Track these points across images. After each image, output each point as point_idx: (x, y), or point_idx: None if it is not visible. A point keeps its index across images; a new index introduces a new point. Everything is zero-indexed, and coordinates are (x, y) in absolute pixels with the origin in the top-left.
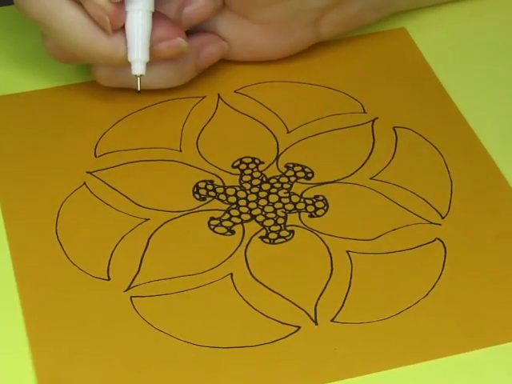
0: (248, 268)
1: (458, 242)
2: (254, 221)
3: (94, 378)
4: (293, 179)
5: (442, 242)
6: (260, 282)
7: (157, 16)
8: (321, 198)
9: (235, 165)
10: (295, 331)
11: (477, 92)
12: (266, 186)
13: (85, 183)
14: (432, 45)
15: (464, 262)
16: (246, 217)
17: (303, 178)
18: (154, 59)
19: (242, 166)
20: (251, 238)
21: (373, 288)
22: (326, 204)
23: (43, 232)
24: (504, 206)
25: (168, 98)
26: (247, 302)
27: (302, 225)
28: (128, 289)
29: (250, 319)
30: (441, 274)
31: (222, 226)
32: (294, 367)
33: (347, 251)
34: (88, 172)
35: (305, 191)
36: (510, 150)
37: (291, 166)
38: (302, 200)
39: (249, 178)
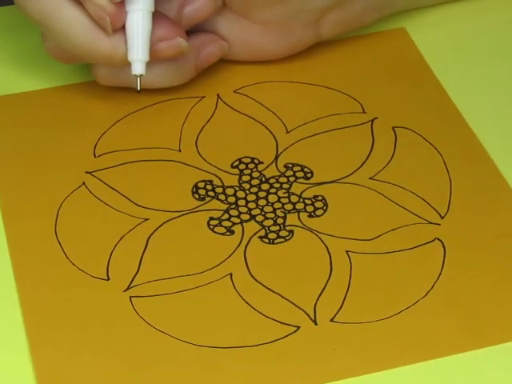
0: (247, 268)
1: (458, 242)
2: (253, 221)
3: (93, 378)
4: (292, 179)
5: (442, 242)
6: (259, 282)
7: (157, 16)
8: (320, 197)
9: (234, 165)
10: (294, 331)
11: (476, 92)
12: (265, 186)
13: (84, 183)
14: (431, 45)
15: (463, 262)
16: (245, 217)
17: (302, 177)
18: (154, 59)
19: (242, 166)
20: (250, 237)
21: (372, 288)
22: (326, 204)
23: (42, 232)
24: (504, 206)
25: (167, 98)
26: (246, 302)
27: (302, 225)
28: (127, 289)
29: (250, 319)
30: (440, 274)
31: (221, 225)
32: (294, 367)
33: (346, 251)
34: (87, 172)
35: (304, 191)
36: (510, 150)
37: (290, 165)
38: (302, 200)
39: (248, 178)
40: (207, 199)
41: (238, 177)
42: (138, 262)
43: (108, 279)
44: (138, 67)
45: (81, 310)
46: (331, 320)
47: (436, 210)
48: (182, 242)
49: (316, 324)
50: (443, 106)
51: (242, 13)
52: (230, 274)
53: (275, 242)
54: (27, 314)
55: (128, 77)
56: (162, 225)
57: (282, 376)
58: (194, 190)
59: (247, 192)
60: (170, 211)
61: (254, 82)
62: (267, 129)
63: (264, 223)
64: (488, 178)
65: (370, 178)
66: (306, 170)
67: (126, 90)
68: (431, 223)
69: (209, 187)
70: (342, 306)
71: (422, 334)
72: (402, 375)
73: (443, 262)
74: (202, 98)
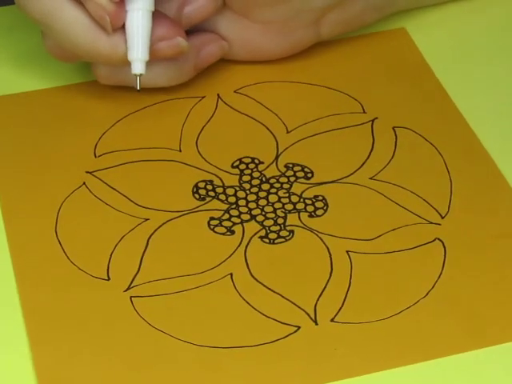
0: (248, 268)
1: (458, 242)
2: (253, 221)
3: (93, 378)
4: (292, 179)
5: (442, 242)
6: (260, 282)
7: (157, 15)
8: (320, 197)
9: (235, 165)
10: (295, 331)
11: (477, 92)
12: (265, 186)
13: (84, 183)
14: (432, 45)
15: (464, 262)
16: (245, 217)
17: (303, 177)
18: (154, 58)
19: (242, 166)
20: (251, 237)
21: (372, 288)
22: (326, 204)
23: (43, 232)
24: (504, 205)
25: (167, 98)
26: (247, 302)
27: (302, 225)
28: (128, 289)
29: (250, 319)
30: (440, 274)
31: (221, 225)
32: (294, 367)
33: (347, 251)
34: (88, 172)
35: (304, 191)
36: (510, 150)
37: (291, 165)
38: (302, 200)
39: (248, 177)
40: (208, 199)
41: (238, 177)
42: (139, 262)
43: (108, 279)
44: (138, 66)
45: (81, 310)
46: (332, 320)
47: (436, 210)
48: (182, 242)
49: (316, 324)
50: (444, 105)
51: (242, 12)
52: (231, 274)
53: (276, 242)
54: (28, 313)
55: (128, 76)
56: (162, 225)
57: (283, 376)
58: (195, 189)
59: (248, 192)
60: (170, 211)
61: (254, 81)
62: (267, 129)
63: (264, 223)
64: (488, 178)
65: (371, 178)
66: (306, 169)
67: (126, 89)
68: (431, 223)
69: (209, 187)
70: (342, 305)
71: (422, 333)
72: (402, 375)
73: (443, 262)
74: (203, 97)
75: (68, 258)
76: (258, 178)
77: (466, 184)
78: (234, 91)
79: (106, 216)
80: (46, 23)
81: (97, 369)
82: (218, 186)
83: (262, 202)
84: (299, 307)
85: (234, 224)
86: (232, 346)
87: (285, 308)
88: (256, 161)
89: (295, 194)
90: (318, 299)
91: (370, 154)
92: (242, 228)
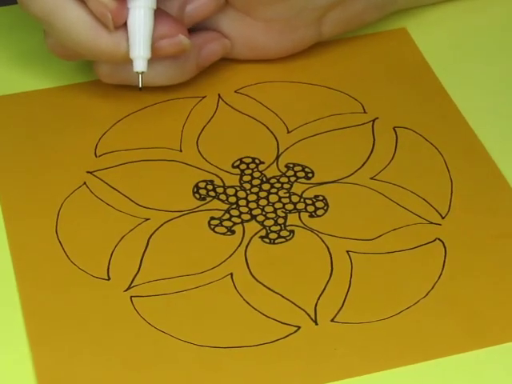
0: (248, 268)
1: (458, 242)
2: (254, 221)
3: (93, 378)
4: (293, 179)
5: (442, 242)
6: (260, 282)
7: (159, 13)
8: (321, 197)
9: (235, 165)
10: (295, 331)
11: (477, 92)
12: (266, 186)
13: (85, 183)
14: (432, 44)
15: (464, 262)
16: (246, 217)
17: (303, 177)
18: (156, 56)
19: (242, 166)
20: (251, 237)
21: (373, 288)
22: (326, 204)
23: (43, 232)
24: (504, 205)
25: (168, 98)
26: (247, 302)
27: (302, 225)
28: (128, 289)
29: (250, 319)
30: (441, 274)
31: (222, 225)
32: (294, 367)
33: (347, 251)
34: (88, 172)
35: (305, 191)
36: (510, 150)
37: (291, 165)
38: (302, 200)
39: (249, 177)
40: (208, 199)
41: (238, 177)
42: (139, 262)
43: (109, 279)
44: (140, 64)
45: (81, 310)
46: (332, 320)
47: (437, 210)
48: (182, 242)
49: (317, 324)
50: (444, 106)
51: (244, 10)
52: (231, 274)
53: (276, 241)
54: (28, 313)
55: (130, 74)
56: (162, 225)
57: (283, 376)
58: (195, 189)
59: (248, 192)
60: (170, 211)
61: (255, 81)
62: (268, 129)
63: (265, 223)
64: (489, 178)
65: (371, 178)
66: (306, 169)
67: (127, 89)
68: (432, 223)
69: (210, 187)
70: (342, 305)
71: (423, 334)
72: (402, 375)
73: (444, 262)
74: (203, 97)
75: (68, 257)
76: (258, 177)
77: (467, 184)
78: (235, 91)
79: (107, 216)
80: (48, 22)
81: (97, 369)
82: (219, 186)
83: (263, 202)
84: (299, 307)
85: (235, 224)
86: (232, 346)
87: (285, 308)
88: (257, 161)
89: (296, 194)
90: (318, 299)
91: (370, 154)
92: (242, 228)
